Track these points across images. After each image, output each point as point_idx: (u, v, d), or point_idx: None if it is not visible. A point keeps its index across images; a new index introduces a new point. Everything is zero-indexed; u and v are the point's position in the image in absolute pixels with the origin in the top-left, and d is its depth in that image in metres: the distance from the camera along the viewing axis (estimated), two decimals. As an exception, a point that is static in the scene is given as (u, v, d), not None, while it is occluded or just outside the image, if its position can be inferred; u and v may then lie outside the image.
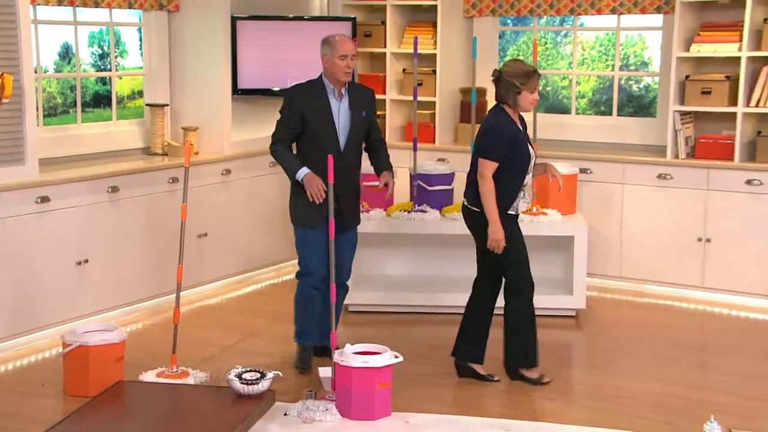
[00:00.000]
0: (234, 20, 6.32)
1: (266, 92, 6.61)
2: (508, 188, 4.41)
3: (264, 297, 6.17)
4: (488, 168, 4.35)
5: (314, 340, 4.71)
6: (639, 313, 5.78)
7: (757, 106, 5.77)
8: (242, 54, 6.42)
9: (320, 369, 4.25)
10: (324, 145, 4.48)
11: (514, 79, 4.36)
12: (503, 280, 4.56)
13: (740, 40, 5.77)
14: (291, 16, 6.71)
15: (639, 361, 4.87)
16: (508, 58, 6.16)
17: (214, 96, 6.28)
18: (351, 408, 3.99)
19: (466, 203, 4.56)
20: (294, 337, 4.76)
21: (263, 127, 6.74)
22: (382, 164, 4.76)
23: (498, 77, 4.43)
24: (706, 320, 5.64)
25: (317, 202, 4.43)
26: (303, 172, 4.47)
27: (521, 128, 4.49)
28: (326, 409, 3.98)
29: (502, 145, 4.36)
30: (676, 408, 4.23)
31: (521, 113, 4.52)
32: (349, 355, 4.03)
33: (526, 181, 4.50)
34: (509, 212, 4.45)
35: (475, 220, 4.49)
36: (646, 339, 5.25)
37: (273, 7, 6.74)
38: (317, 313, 4.65)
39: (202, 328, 5.41)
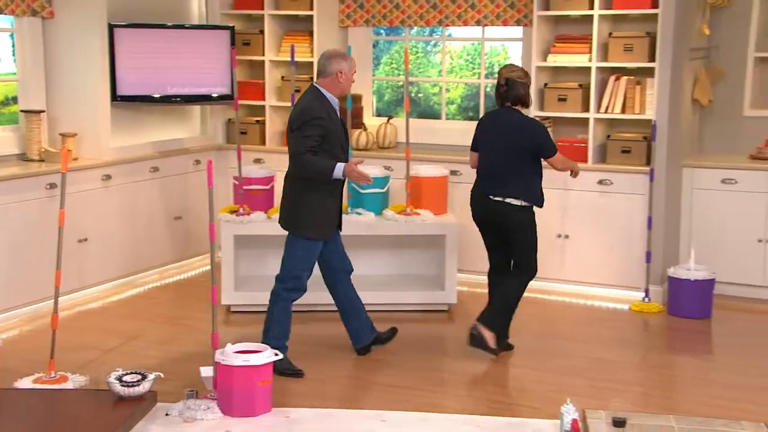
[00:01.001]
0: (111, 28, 6.13)
1: (146, 99, 6.45)
2: (539, 181, 4.80)
3: (146, 300, 6.01)
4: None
5: (286, 349, 4.60)
6: (506, 305, 5.93)
7: (606, 112, 6.03)
8: (121, 61, 6.23)
9: (201, 369, 4.17)
10: (338, 154, 4.53)
11: (526, 80, 4.77)
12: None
13: (590, 52, 6.02)
14: (170, 24, 6.56)
15: (507, 351, 5.00)
16: (381, 66, 6.22)
17: (92, 103, 6.08)
18: (232, 405, 3.94)
19: (500, 198, 4.74)
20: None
21: (143, 133, 6.60)
22: None
23: (513, 82, 4.72)
24: (565, 310, 5.84)
25: (371, 182, 4.61)
26: (340, 166, 4.44)
27: None
28: (207, 408, 3.92)
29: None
30: (539, 393, 4.37)
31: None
32: (230, 355, 3.99)
33: None
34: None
35: (511, 214, 4.74)
36: (512, 330, 5.38)
37: (152, 14, 6.57)
38: (289, 320, 4.68)
39: (83, 332, 5.23)
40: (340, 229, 4.76)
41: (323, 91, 4.55)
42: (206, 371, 4.13)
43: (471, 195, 4.93)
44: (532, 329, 5.39)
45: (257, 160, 6.93)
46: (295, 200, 4.57)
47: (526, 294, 6.12)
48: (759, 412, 4.08)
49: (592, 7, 5.95)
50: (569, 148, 6.12)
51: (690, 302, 5.52)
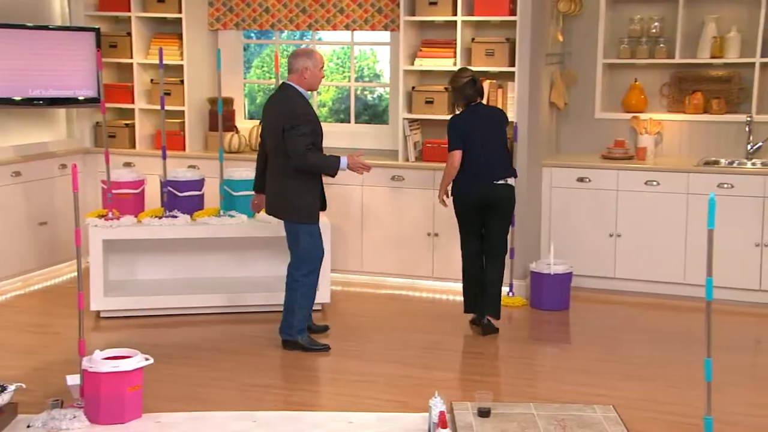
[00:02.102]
0: (-32, 27, 5.83)
1: (5, 102, 6.16)
2: None
3: (9, 309, 5.74)
4: None
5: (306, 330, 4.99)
6: (379, 303, 6.00)
7: (472, 114, 6.19)
8: (-21, 62, 5.93)
9: (68, 377, 4.03)
10: (320, 145, 4.80)
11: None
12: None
13: (454, 56, 6.17)
14: (31, 25, 6.29)
15: (378, 347, 5.06)
16: (252, 70, 6.19)
17: (-52, 105, 5.77)
18: (100, 413, 3.83)
19: (502, 182, 5.16)
20: (295, 335, 4.92)
21: (4, 137, 6.29)
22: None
23: (477, 79, 5.21)
24: (435, 306, 5.96)
25: (369, 170, 4.99)
26: (344, 159, 4.77)
27: None
28: (74, 417, 3.79)
29: None
30: (408, 387, 4.44)
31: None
32: (97, 361, 3.87)
33: None
34: None
35: (511, 194, 5.22)
36: (385, 327, 5.47)
37: (10, 15, 6.28)
38: (311, 305, 4.99)
39: (-59, 345, 4.95)
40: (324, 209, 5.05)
41: (297, 87, 4.78)
42: (72, 379, 3.99)
43: (466, 187, 5.18)
44: (400, 325, 5.47)
45: (127, 164, 6.75)
46: (289, 191, 4.81)
47: (395, 291, 6.27)
48: (609, 395, 4.30)
49: (455, 14, 6.10)
50: (437, 149, 6.26)
51: (550, 295, 5.74)
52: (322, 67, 4.86)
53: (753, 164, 6.05)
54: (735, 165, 6.06)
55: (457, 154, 5.15)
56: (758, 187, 5.74)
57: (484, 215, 5.23)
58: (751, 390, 4.46)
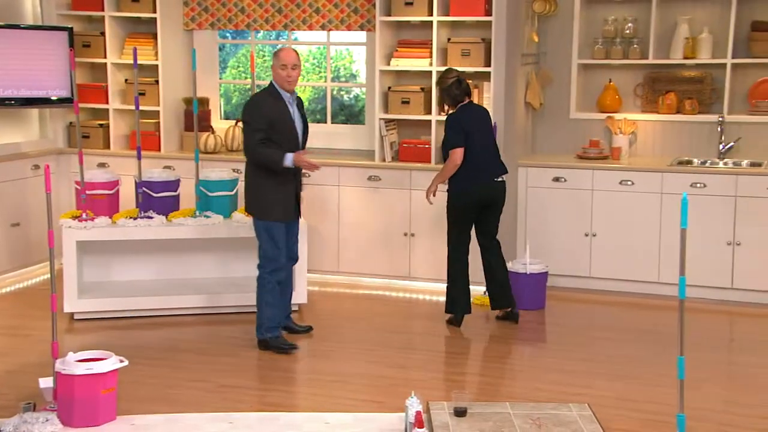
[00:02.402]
0: (-61, 26, 5.75)
1: (-21, 101, 6.09)
2: None
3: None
4: None
5: (279, 330, 5.02)
6: (355, 303, 5.99)
7: (447, 114, 6.18)
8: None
9: (40, 380, 3.98)
10: (286, 144, 4.80)
11: None
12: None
13: (430, 56, 6.18)
14: (2, 24, 6.21)
15: (355, 347, 5.05)
16: (228, 70, 6.17)
17: None
18: (73, 415, 3.78)
19: (501, 179, 5.31)
20: (264, 333, 4.96)
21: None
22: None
23: (463, 79, 5.30)
24: (412, 306, 5.96)
25: (319, 169, 5.04)
26: (289, 156, 4.75)
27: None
28: (47, 420, 3.74)
29: None
30: (385, 387, 4.44)
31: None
32: (71, 363, 3.82)
33: None
34: None
35: (505, 189, 5.37)
36: (362, 327, 5.46)
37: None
38: (278, 309, 4.98)
39: None
40: (299, 216, 5.07)
41: (276, 86, 4.83)
42: (45, 382, 3.95)
43: (468, 184, 5.23)
44: (377, 325, 5.47)
45: (101, 165, 6.69)
46: (252, 186, 4.90)
47: (372, 291, 6.26)
48: (585, 394, 4.32)
49: (431, 14, 6.10)
50: (413, 149, 6.26)
51: (526, 294, 5.75)
52: (284, 65, 4.80)
53: (725, 164, 6.11)
54: (707, 165, 6.12)
55: (460, 152, 5.19)
56: (730, 187, 5.79)
57: (482, 212, 5.32)
58: (724, 387, 4.50)
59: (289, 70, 4.81)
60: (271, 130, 4.79)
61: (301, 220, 5.77)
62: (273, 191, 4.88)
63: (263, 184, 4.87)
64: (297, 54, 4.90)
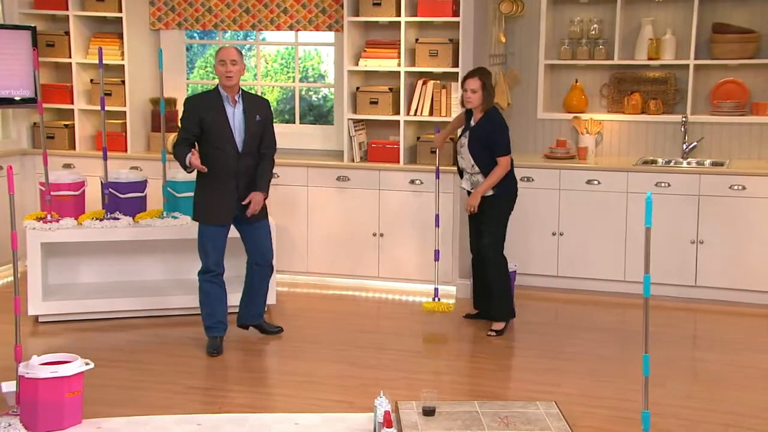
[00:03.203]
0: None
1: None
2: None
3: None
4: None
5: (220, 332, 4.95)
6: (325, 304, 5.97)
7: (415, 114, 6.21)
8: None
9: (2, 384, 3.91)
10: (222, 146, 4.71)
11: None
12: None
13: (398, 57, 6.18)
14: (-36, 22, 6.12)
15: (325, 348, 5.04)
16: (196, 70, 6.11)
17: None
18: (38, 420, 3.72)
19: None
20: (205, 331, 4.96)
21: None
22: (258, 183, 4.88)
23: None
24: (381, 306, 5.96)
25: (200, 167, 4.62)
26: (187, 158, 4.62)
27: (470, 124, 5.23)
28: (9, 425, 3.68)
29: None
30: (354, 387, 4.43)
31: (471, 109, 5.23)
32: (35, 367, 3.76)
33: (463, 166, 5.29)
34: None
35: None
36: (332, 327, 5.44)
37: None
38: (218, 305, 4.92)
39: None
40: (260, 220, 4.96)
41: (219, 86, 4.78)
42: (8, 386, 3.88)
43: (516, 188, 5.30)
44: (346, 325, 5.45)
45: (67, 165, 6.60)
46: (195, 187, 4.89)
47: (341, 291, 6.25)
48: (552, 391, 4.34)
49: (399, 14, 6.10)
50: (382, 150, 6.26)
51: (494, 293, 5.76)
52: (223, 60, 4.70)
53: (688, 163, 6.18)
54: (671, 164, 6.18)
55: (510, 159, 5.17)
56: (693, 186, 5.86)
57: None
58: (688, 383, 4.55)
59: (228, 65, 4.69)
60: (205, 129, 4.73)
61: (270, 220, 5.75)
62: (203, 192, 4.83)
63: (199, 185, 4.85)
64: (238, 51, 4.79)
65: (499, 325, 5.29)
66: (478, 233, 5.32)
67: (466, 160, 5.22)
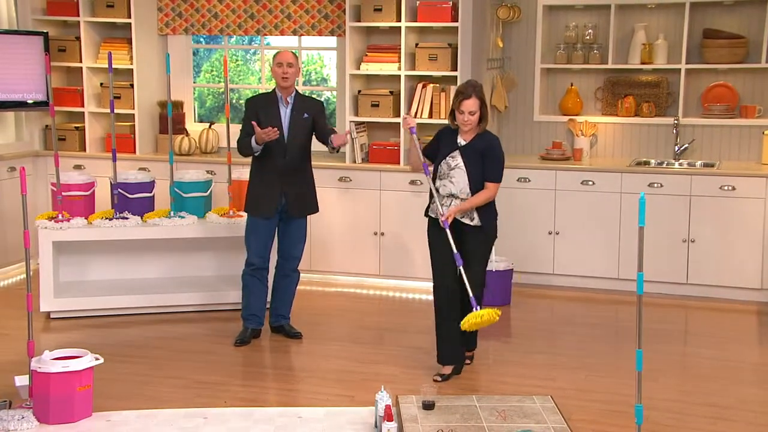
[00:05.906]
0: None
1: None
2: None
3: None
4: None
5: (252, 324, 5.01)
6: (327, 300, 5.97)
7: (415, 117, 6.21)
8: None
9: (16, 378, 3.92)
10: (271, 145, 4.74)
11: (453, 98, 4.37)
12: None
13: (399, 61, 6.18)
14: (-22, 28, 6.12)
15: (327, 343, 5.03)
16: (202, 74, 6.11)
17: None
18: (49, 413, 3.73)
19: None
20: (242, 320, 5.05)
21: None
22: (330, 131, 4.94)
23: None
24: (382, 303, 5.96)
25: (275, 136, 4.63)
26: (253, 138, 4.70)
27: (459, 143, 4.39)
28: (22, 417, 3.69)
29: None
30: (356, 382, 4.43)
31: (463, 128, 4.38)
32: (47, 362, 3.77)
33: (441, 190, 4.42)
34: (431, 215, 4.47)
35: None
36: (334, 323, 5.45)
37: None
38: (254, 299, 4.97)
39: None
40: (300, 218, 4.96)
41: (276, 88, 4.89)
42: (21, 380, 3.89)
43: (496, 216, 4.59)
44: (348, 321, 5.46)
45: (77, 167, 6.61)
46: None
47: (343, 289, 6.25)
48: (548, 386, 4.34)
49: (399, 20, 6.11)
50: (383, 151, 6.26)
51: (493, 291, 5.76)
52: (280, 63, 4.81)
53: (680, 164, 6.18)
54: (664, 165, 6.19)
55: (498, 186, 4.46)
56: (685, 186, 5.86)
57: None
58: (680, 378, 4.55)
59: (285, 67, 4.80)
60: (260, 126, 4.80)
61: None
62: (251, 185, 4.94)
63: (250, 179, 4.96)
64: (294, 55, 4.89)
65: (448, 369, 4.50)
66: (452, 264, 4.32)
67: (458, 183, 4.35)
